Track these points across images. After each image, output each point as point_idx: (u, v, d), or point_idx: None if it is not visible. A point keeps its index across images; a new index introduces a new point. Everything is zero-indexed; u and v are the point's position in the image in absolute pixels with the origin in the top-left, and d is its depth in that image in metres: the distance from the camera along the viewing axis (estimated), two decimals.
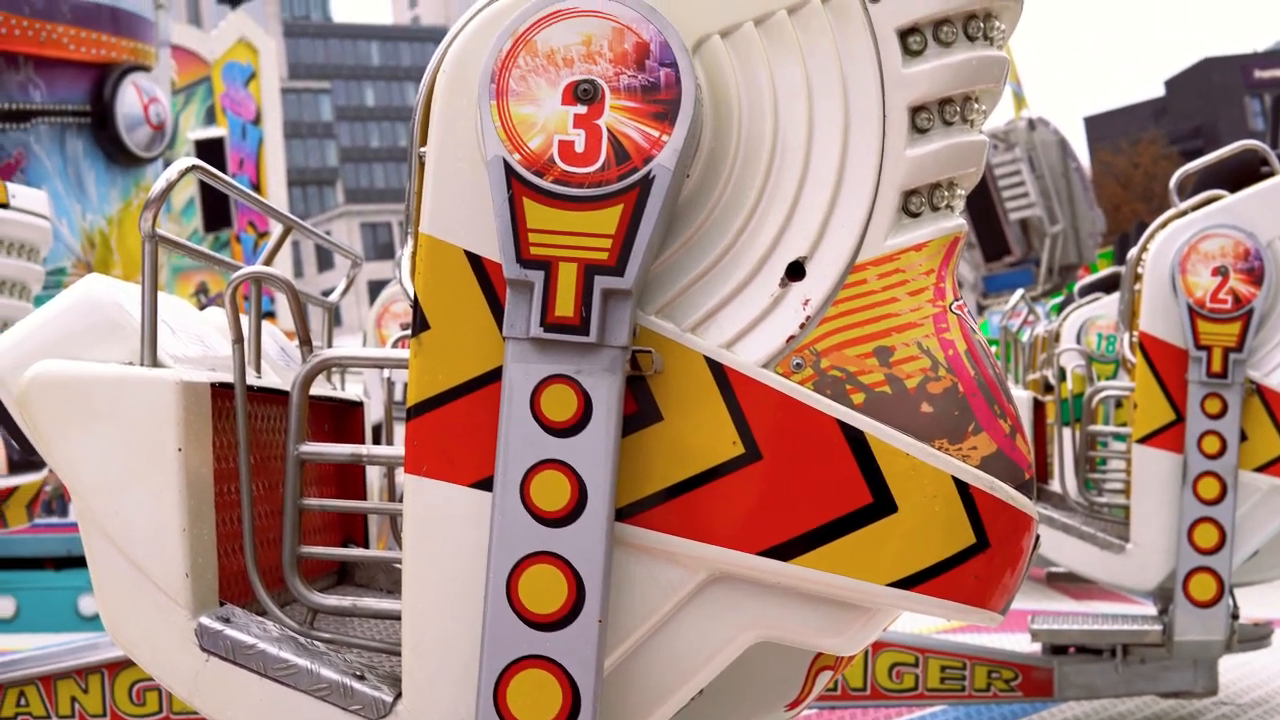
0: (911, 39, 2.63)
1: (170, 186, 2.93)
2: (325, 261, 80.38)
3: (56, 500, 11.88)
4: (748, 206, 2.61)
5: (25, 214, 6.33)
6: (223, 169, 16.72)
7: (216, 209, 19.49)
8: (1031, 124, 20.96)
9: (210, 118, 26.90)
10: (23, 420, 2.88)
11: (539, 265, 2.50)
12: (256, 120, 28.20)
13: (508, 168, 2.50)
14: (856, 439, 2.58)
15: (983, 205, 19.75)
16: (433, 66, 2.69)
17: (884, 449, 2.58)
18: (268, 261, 3.63)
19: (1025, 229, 20.73)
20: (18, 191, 6.39)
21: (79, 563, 7.81)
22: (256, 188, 27.02)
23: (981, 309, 20.35)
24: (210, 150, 20.25)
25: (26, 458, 6.22)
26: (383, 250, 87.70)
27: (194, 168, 3.04)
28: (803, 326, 2.62)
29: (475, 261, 2.61)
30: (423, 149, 2.68)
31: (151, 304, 2.88)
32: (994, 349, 3.98)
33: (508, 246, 2.51)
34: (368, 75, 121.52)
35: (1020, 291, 8.06)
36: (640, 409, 2.61)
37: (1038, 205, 20.42)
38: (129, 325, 2.97)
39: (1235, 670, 7.09)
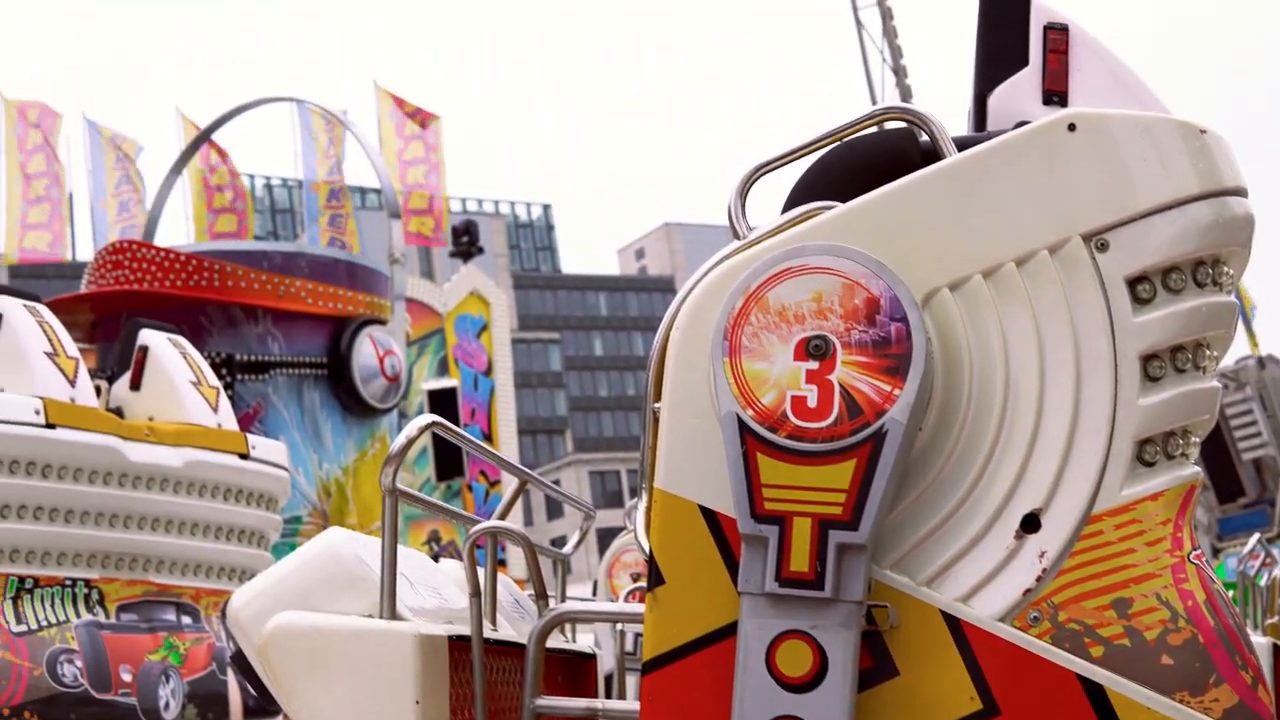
0: (1141, 287, 2.63)
1: (410, 443, 3.01)
2: (555, 510, 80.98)
3: None
4: (981, 458, 2.61)
5: (265, 465, 6.53)
6: (455, 419, 17.02)
7: (449, 459, 19.80)
8: (1261, 362, 20.57)
9: (443, 368, 27.48)
10: (263, 669, 2.93)
11: (774, 520, 2.51)
12: (488, 371, 28.75)
13: (741, 423, 2.53)
14: (1096, 693, 2.53)
15: (1215, 446, 19.34)
16: (666, 323, 2.74)
17: (1125, 703, 2.52)
18: (503, 515, 3.68)
19: (1259, 469, 20.23)
20: (257, 443, 6.59)
21: None
22: (488, 437, 27.44)
23: (1216, 552, 19.82)
24: (443, 401, 20.65)
25: (263, 705, 6.32)
26: (611, 498, 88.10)
27: (433, 424, 3.11)
28: (1039, 579, 2.59)
29: (710, 516, 2.63)
30: (657, 404, 2.72)
31: (391, 558, 2.94)
32: (1231, 594, 3.88)
33: (742, 502, 2.52)
34: (596, 325, 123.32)
35: (1257, 535, 7.85)
36: (876, 664, 2.58)
37: (1271, 445, 19.95)
38: (369, 578, 3.03)
39: None
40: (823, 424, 2.51)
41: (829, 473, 2.50)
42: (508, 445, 28.16)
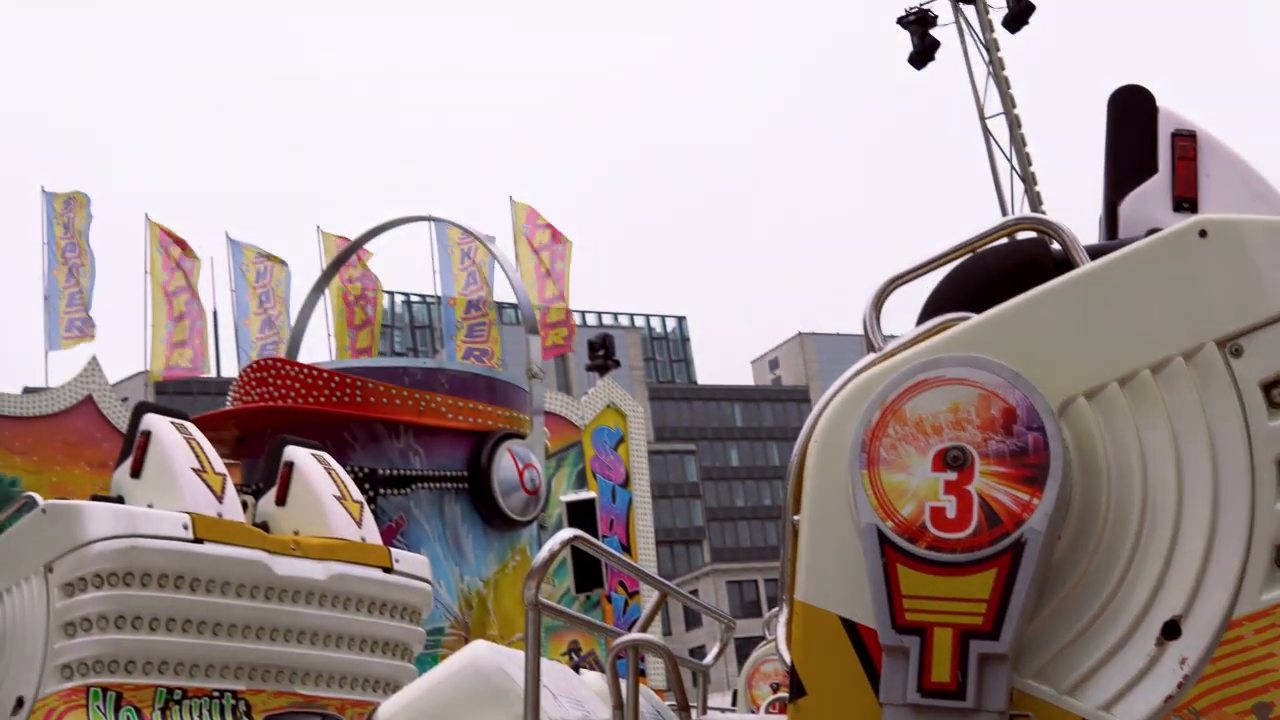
0: (1275, 391, 2.62)
1: (553, 558, 3.05)
2: (693, 620, 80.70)
3: None
4: (1120, 566, 2.60)
5: (408, 578, 6.59)
6: (594, 531, 17.05)
7: (589, 571, 19.81)
8: None
9: (581, 481, 27.57)
10: None
11: (914, 631, 2.52)
12: (625, 483, 28.79)
13: (881, 535, 2.55)
14: None
15: None
16: (804, 435, 2.77)
17: None
18: (644, 627, 3.71)
19: None
20: (400, 557, 6.66)
21: None
22: (626, 548, 27.43)
23: None
24: (581, 512, 20.69)
25: None
26: (749, 608, 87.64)
27: (574, 538, 3.16)
28: (1181, 686, 2.57)
29: (850, 628, 2.64)
30: (796, 516, 2.74)
31: (535, 671, 2.97)
32: None
33: (883, 613, 2.54)
34: (731, 436, 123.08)
35: None
36: None
37: None
38: (513, 691, 3.06)
39: None
40: (962, 534, 2.53)
41: (969, 583, 2.51)
42: (646, 556, 28.14)
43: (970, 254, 3.01)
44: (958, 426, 2.57)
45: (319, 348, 30.69)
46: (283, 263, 31.49)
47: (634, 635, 3.28)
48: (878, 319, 2.89)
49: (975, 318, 2.76)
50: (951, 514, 2.54)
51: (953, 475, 2.55)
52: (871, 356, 2.81)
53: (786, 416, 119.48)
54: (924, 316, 3.04)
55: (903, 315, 3.23)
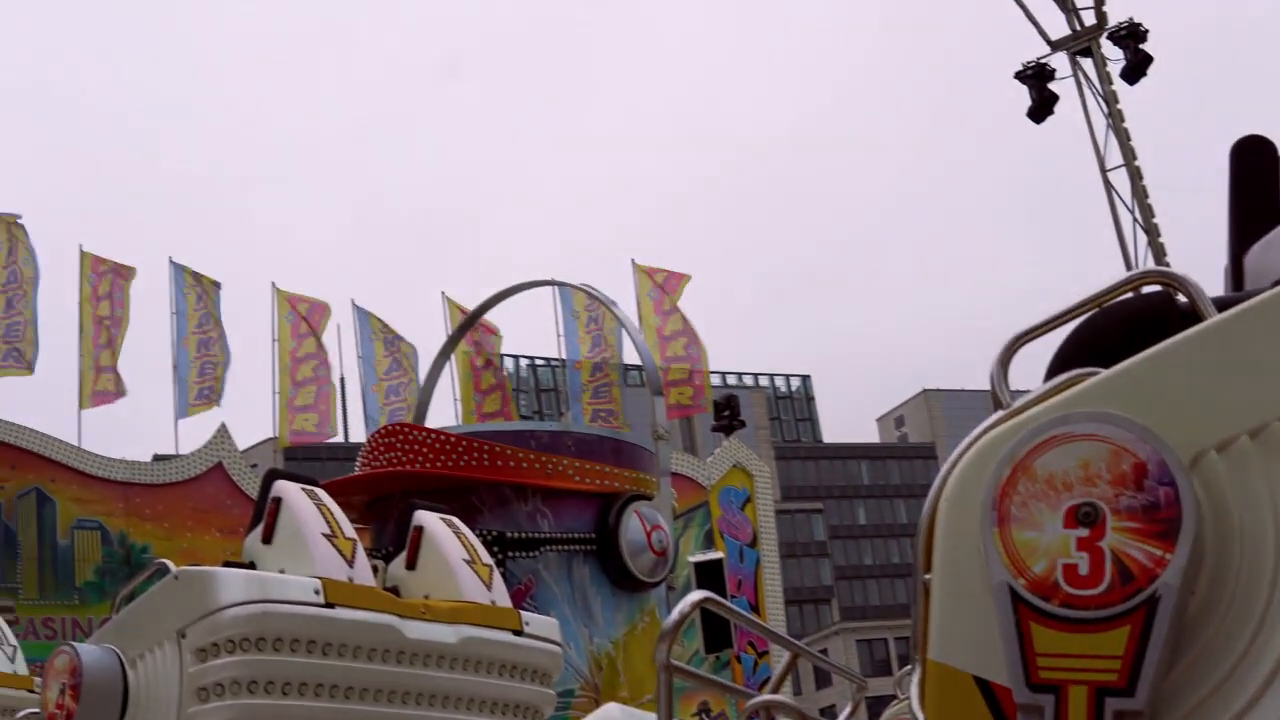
0: None
1: (684, 619, 3.07)
2: (823, 679, 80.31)
3: None
4: (1254, 620, 2.57)
5: (538, 640, 6.62)
6: (722, 591, 17.03)
7: (718, 631, 19.78)
8: None
9: (709, 541, 27.55)
10: None
11: (1049, 689, 2.51)
12: (753, 542, 28.76)
13: (1013, 593, 2.54)
14: None
15: None
16: (933, 494, 2.77)
17: None
18: (775, 688, 3.72)
19: None
20: (530, 619, 6.69)
21: None
22: (755, 608, 27.36)
23: None
24: (709, 573, 20.68)
25: None
26: (879, 666, 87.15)
27: (705, 600, 3.17)
28: None
29: (984, 687, 2.64)
30: (927, 575, 2.74)
31: None
32: None
33: (1016, 671, 2.53)
34: (858, 494, 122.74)
35: None
36: None
37: None
38: None
39: None
40: (1095, 591, 2.51)
41: (1103, 640, 2.50)
42: (775, 616, 28.06)
43: (1096, 309, 3.00)
44: (1089, 482, 2.56)
45: (445, 412, 30.93)
46: (413, 344, 31.87)
47: (766, 696, 3.28)
48: (1005, 376, 2.89)
49: (1103, 373, 2.75)
50: (1084, 571, 2.53)
51: (1084, 532, 2.54)
52: (1000, 414, 2.81)
53: (913, 474, 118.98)
54: (1051, 372, 3.04)
55: (1029, 371, 3.23)
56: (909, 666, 2.96)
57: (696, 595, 3.14)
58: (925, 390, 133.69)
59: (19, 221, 27.39)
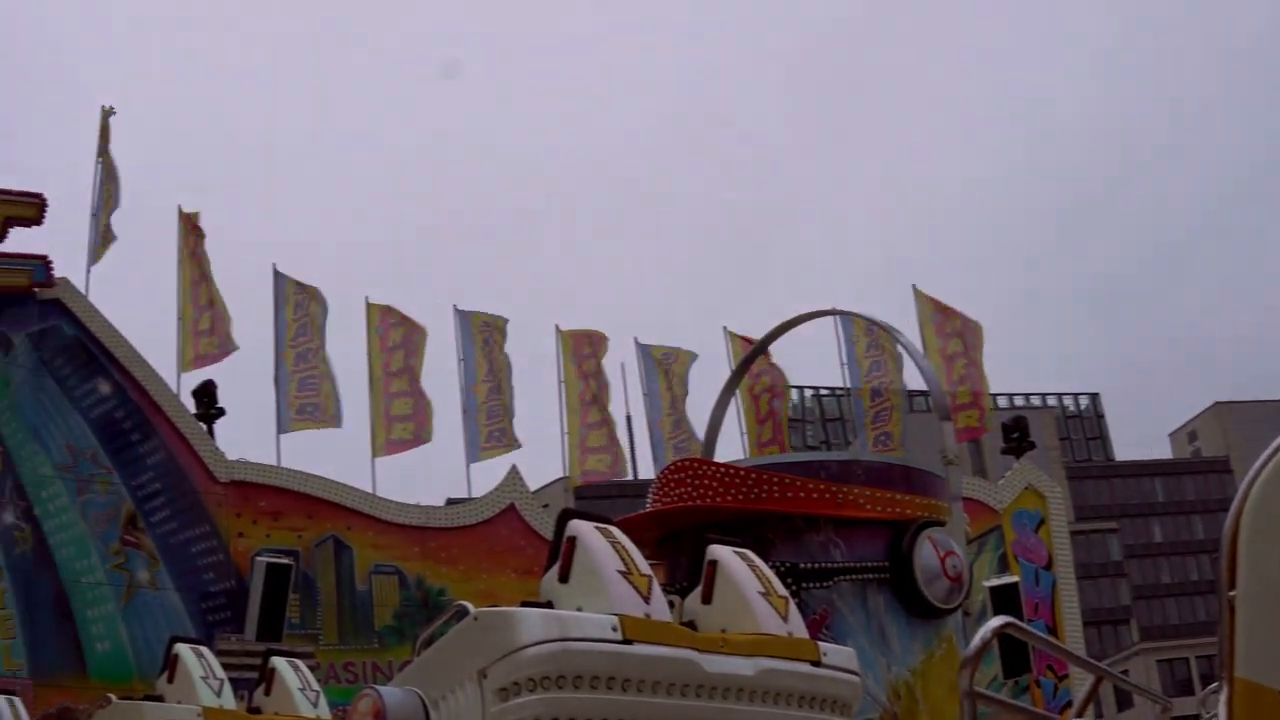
0: None
1: (986, 646, 3.07)
2: (1124, 700, 78.55)
3: None
4: None
5: (837, 671, 6.62)
6: (1018, 615, 16.80)
7: (1016, 656, 19.52)
8: None
9: (1003, 565, 27.21)
10: None
11: None
12: (1048, 565, 28.30)
13: None
14: None
15: None
16: (1235, 508, 2.73)
17: None
18: (1080, 711, 3.69)
19: None
20: (828, 650, 6.70)
21: None
22: (1053, 631, 26.90)
23: None
24: (1005, 597, 20.42)
25: None
26: (1181, 686, 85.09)
27: (1007, 625, 3.16)
28: None
29: None
30: (1232, 591, 2.70)
31: None
32: None
33: None
34: (1153, 512, 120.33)
35: None
36: None
37: None
38: None
39: None
40: None
41: None
42: (1073, 638, 27.57)
43: None
44: None
45: (731, 446, 31.08)
46: (692, 353, 32.17)
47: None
48: None
49: None
50: None
51: None
52: None
53: (1209, 489, 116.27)
54: None
55: None
56: (1214, 685, 2.91)
57: (998, 621, 3.13)
58: (1218, 403, 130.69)
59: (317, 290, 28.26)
